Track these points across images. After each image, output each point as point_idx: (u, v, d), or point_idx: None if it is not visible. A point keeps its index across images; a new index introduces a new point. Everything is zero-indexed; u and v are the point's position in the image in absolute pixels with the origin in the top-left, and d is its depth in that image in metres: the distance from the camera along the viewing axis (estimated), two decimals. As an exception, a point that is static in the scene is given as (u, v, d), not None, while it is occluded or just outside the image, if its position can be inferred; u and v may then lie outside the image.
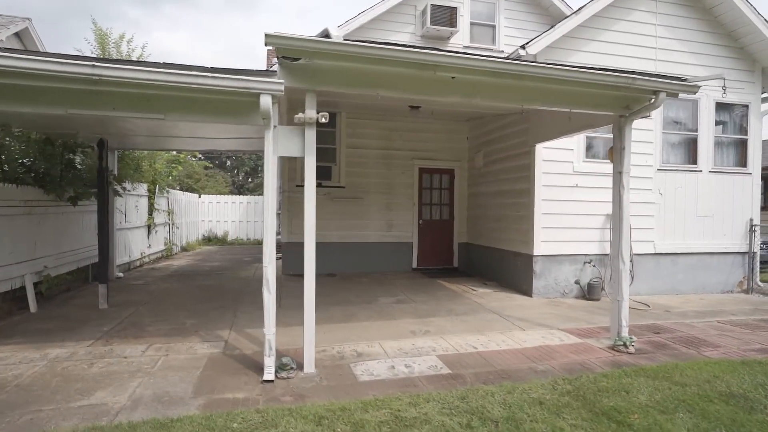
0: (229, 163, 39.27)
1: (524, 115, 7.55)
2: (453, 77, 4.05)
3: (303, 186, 8.95)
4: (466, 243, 10.01)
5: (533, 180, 7.34)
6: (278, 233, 12.73)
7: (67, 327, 5.31)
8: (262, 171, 44.60)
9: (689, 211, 8.09)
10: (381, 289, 7.90)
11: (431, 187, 10.00)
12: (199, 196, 17.18)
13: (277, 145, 3.97)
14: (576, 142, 7.51)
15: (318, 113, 4.01)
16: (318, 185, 8.89)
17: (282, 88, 3.57)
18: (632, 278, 7.57)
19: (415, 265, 9.79)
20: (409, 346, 4.88)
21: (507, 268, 8.18)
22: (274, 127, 3.97)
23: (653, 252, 7.89)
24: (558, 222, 7.40)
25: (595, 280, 7.49)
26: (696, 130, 8.16)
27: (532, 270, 7.36)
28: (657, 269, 7.91)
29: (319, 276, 9.00)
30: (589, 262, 7.62)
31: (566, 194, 7.43)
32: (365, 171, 9.52)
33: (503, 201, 8.34)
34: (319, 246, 9.01)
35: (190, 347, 4.70)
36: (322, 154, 9.19)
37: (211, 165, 35.25)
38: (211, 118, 3.82)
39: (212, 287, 7.90)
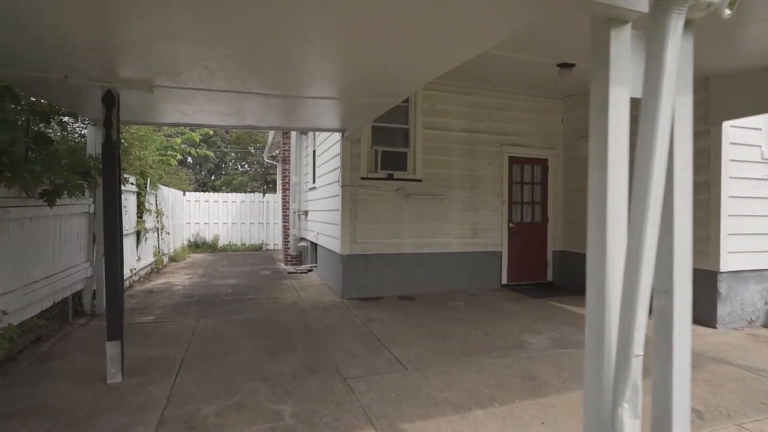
0: (190, 159, 35.90)
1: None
2: None
3: (371, 178, 6.64)
4: (561, 251, 7.99)
5: (718, 170, 5.39)
6: (302, 238, 10.22)
7: (64, 440, 2.74)
8: (226, 168, 40.47)
9: None
10: (500, 320, 5.69)
11: (522, 182, 7.88)
12: (184, 194, 14.21)
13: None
14: (765, 120, 5.65)
15: (729, -8, 1.76)
16: (388, 177, 6.57)
17: None
18: (828, 299, 5.81)
19: (504, 280, 7.64)
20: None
21: (653, 287, 6.19)
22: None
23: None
24: (744, 226, 5.51)
25: (792, 303, 5.65)
26: None
27: (716, 291, 5.41)
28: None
29: (393, 299, 6.68)
30: (779, 280, 5.77)
31: (751, 189, 5.55)
32: (446, 160, 7.26)
33: (645, 198, 6.35)
34: (389, 259, 6.67)
35: (347, 495, 2.29)
36: (391, 136, 6.89)
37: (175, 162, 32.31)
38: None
39: (261, 324, 5.39)
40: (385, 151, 6.67)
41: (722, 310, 5.43)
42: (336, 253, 7.00)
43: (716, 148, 5.40)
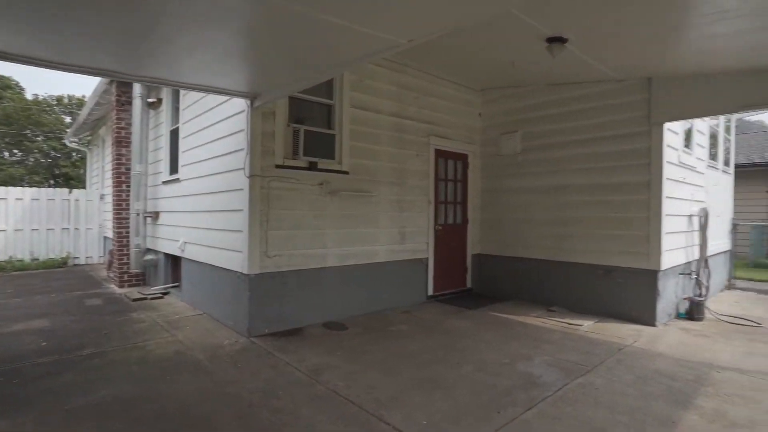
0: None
1: (634, 82, 5.57)
2: None
3: (289, 167, 4.86)
4: (479, 255, 7.45)
5: (657, 170, 5.44)
6: (149, 250, 7.43)
7: None
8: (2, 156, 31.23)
9: (713, 211, 7.63)
10: (469, 345, 4.64)
11: (446, 179, 7.04)
12: (-75, 187, 9.22)
13: None
14: (680, 125, 5.98)
15: None
16: (310, 167, 4.94)
17: None
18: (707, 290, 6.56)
19: (431, 291, 6.67)
20: None
21: (587, 288, 6.06)
22: None
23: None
24: (672, 225, 5.72)
25: (698, 296, 6.12)
26: (720, 126, 7.78)
27: (656, 290, 5.45)
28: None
29: (318, 329, 5.03)
30: (688, 274, 6.22)
31: (671, 190, 5.80)
32: (374, 148, 5.89)
33: (578, 199, 6.18)
34: (310, 276, 5.07)
35: None
36: (313, 113, 5.26)
37: None
38: None
39: (144, 411, 3.11)
40: (309, 132, 4.93)
41: (659, 307, 5.50)
42: (234, 271, 4.91)
43: (657, 148, 5.44)
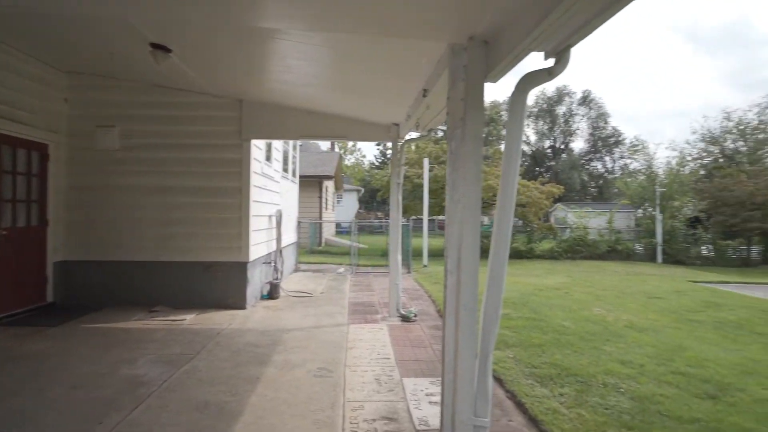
0: None
1: (230, 101, 6.49)
2: None
3: None
4: (65, 262, 6.40)
5: (247, 178, 6.56)
6: None
7: None
8: None
9: (286, 212, 9.83)
10: (62, 367, 4.08)
11: (15, 172, 5.57)
12: None
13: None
14: (263, 142, 7.40)
15: None
16: None
17: None
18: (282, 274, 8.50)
19: (-9, 314, 5.19)
20: (371, 388, 3.89)
21: (190, 285, 6.51)
22: None
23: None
24: (256, 224, 7.04)
25: (276, 279, 7.75)
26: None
27: (245, 279, 6.57)
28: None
29: None
30: (269, 263, 7.73)
31: (257, 195, 7.16)
32: None
33: (182, 200, 6.47)
34: None
35: None
36: None
37: None
38: None
39: None
40: None
41: (248, 292, 6.67)
42: None
43: (246, 160, 6.55)
